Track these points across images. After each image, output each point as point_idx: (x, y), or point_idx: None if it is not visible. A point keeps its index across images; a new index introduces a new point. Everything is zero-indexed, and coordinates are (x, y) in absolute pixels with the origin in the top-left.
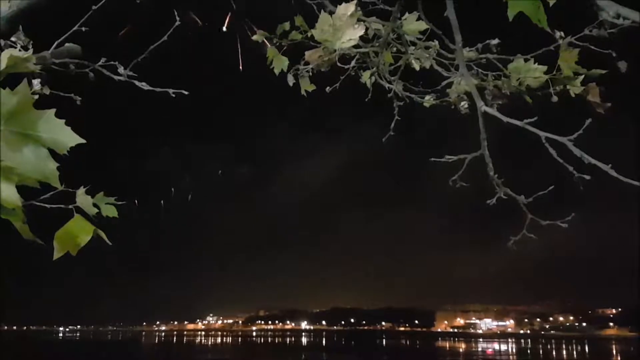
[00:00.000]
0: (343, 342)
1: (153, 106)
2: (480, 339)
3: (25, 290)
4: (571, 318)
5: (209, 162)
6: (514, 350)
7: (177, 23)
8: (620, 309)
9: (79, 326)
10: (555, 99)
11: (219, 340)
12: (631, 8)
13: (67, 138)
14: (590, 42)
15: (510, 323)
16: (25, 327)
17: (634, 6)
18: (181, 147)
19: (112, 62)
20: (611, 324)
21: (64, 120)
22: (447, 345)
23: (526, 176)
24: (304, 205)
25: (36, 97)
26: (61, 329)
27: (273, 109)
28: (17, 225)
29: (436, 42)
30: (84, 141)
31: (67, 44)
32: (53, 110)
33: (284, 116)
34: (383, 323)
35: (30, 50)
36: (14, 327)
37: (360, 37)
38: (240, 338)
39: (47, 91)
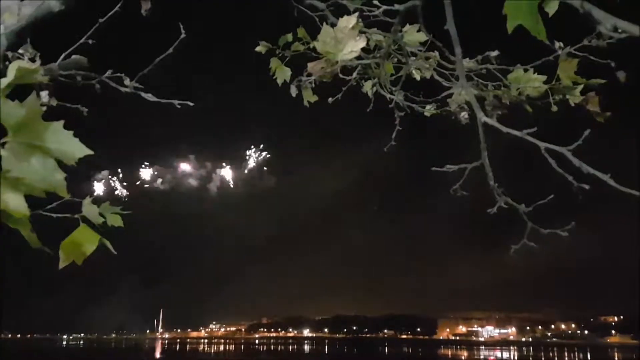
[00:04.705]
0: (345, 350)
1: (158, 114)
2: (483, 347)
3: (29, 298)
4: (573, 325)
5: (213, 169)
6: (516, 357)
7: (183, 35)
8: (622, 317)
9: (82, 334)
10: (555, 108)
11: (222, 347)
12: (629, 20)
13: (75, 149)
14: (589, 53)
15: (512, 331)
16: (28, 335)
17: (632, 19)
18: (185, 153)
19: (118, 74)
20: (613, 331)
21: (72, 132)
22: (450, 353)
23: (527, 185)
24: (307, 213)
25: (44, 108)
26: (64, 337)
27: (274, 115)
28: (25, 234)
29: (436, 53)
30: (91, 152)
31: (74, 56)
32: (61, 122)
33: (285, 123)
34: (385, 331)
35: (38, 62)
36: (18, 335)
37: (362, 48)
38: (243, 346)
39: (54, 102)
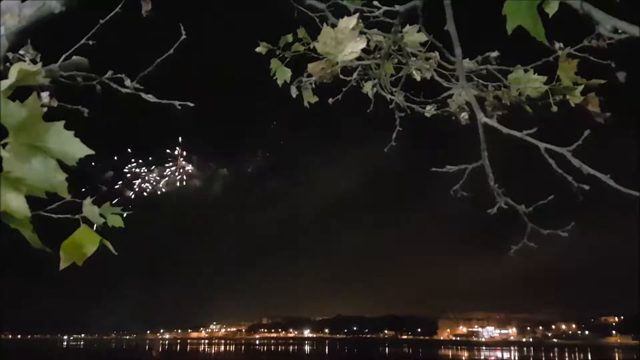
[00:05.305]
0: (346, 350)
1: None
2: (483, 347)
3: (30, 298)
4: (573, 326)
5: (214, 170)
6: (516, 358)
7: (183, 37)
8: (622, 317)
9: (82, 335)
10: (555, 109)
11: (222, 348)
12: (629, 21)
13: (76, 149)
14: (589, 53)
15: (512, 331)
16: (29, 336)
17: (632, 19)
18: (187, 154)
19: (118, 75)
20: (613, 332)
21: (72, 132)
22: (450, 354)
23: (528, 185)
24: (307, 214)
25: (45, 109)
26: (65, 337)
27: (275, 117)
28: (27, 234)
29: (436, 53)
30: (92, 152)
31: (74, 57)
32: (62, 122)
33: (286, 124)
34: (386, 331)
35: (40, 64)
36: (18, 336)
37: (362, 49)
38: (243, 346)
39: (55, 103)
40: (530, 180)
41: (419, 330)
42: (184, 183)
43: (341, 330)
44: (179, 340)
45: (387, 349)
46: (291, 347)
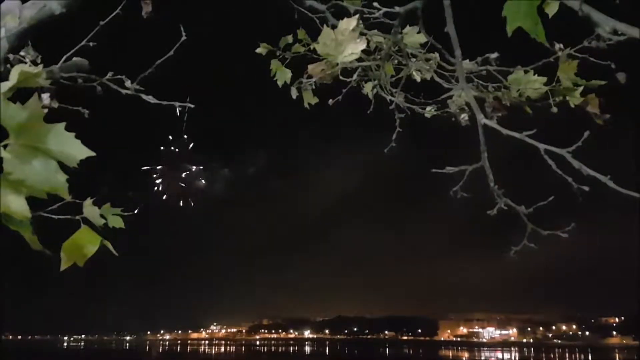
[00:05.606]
0: (346, 351)
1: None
2: (484, 348)
3: (30, 299)
4: (574, 327)
5: (212, 170)
6: (517, 359)
7: (184, 38)
8: (623, 318)
9: (83, 335)
10: (554, 109)
11: (222, 349)
12: (629, 21)
13: (77, 151)
14: (589, 54)
15: (513, 332)
16: (30, 337)
17: (632, 20)
18: (187, 154)
19: (119, 76)
20: (614, 332)
21: (73, 134)
22: (450, 354)
23: (528, 186)
24: (307, 214)
25: (46, 111)
26: (65, 338)
27: (275, 117)
28: (26, 236)
29: (436, 54)
30: (93, 154)
31: (75, 58)
32: (63, 124)
33: (286, 125)
34: (386, 332)
35: (40, 65)
36: (19, 337)
37: (362, 50)
38: (243, 347)
39: (55, 105)
40: (530, 181)
41: (420, 330)
42: (185, 183)
43: (341, 331)
44: (179, 341)
45: (387, 349)
46: (291, 348)
